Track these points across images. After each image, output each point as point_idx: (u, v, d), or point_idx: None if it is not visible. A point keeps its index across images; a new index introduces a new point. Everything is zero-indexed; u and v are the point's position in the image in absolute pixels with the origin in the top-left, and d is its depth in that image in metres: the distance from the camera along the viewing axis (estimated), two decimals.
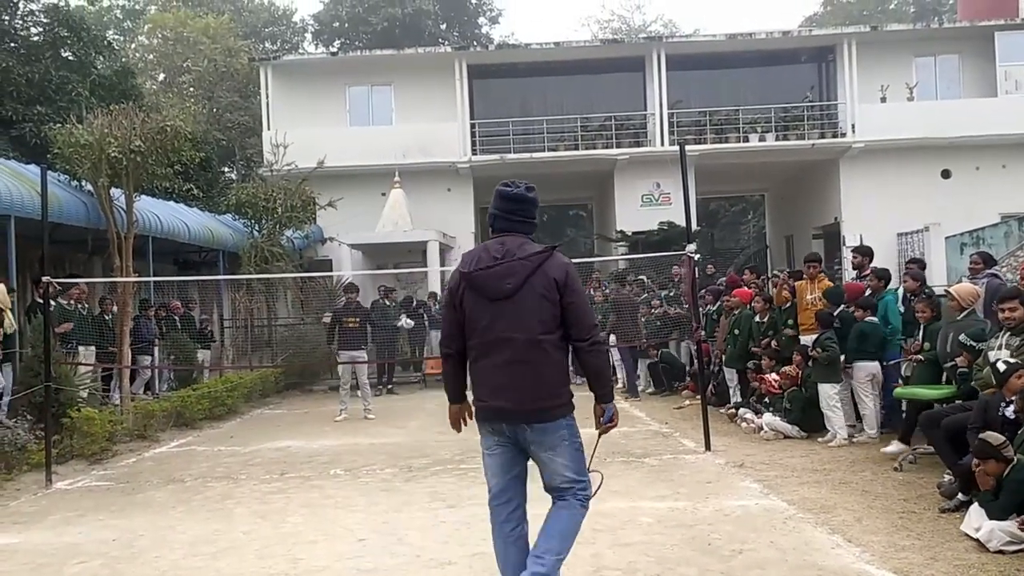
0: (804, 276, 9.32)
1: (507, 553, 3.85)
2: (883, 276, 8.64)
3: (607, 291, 14.95)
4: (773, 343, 9.52)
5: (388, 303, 15.37)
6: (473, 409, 3.90)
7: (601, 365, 3.90)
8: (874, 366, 8.05)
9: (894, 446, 7.33)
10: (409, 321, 15.13)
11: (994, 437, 5.03)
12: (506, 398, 3.68)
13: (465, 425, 4.07)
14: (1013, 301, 5.98)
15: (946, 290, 7.48)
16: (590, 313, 3.84)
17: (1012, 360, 5.62)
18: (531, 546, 3.84)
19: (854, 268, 9.32)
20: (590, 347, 3.75)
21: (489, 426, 3.79)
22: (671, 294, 13.45)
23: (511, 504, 3.87)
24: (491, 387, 3.72)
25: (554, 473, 3.80)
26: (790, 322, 9.36)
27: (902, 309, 8.35)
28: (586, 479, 3.88)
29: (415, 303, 16.25)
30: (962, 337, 6.51)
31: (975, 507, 5.00)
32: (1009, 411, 5.38)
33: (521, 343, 3.66)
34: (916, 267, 8.86)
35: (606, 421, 3.94)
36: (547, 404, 3.73)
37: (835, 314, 8.41)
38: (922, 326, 7.51)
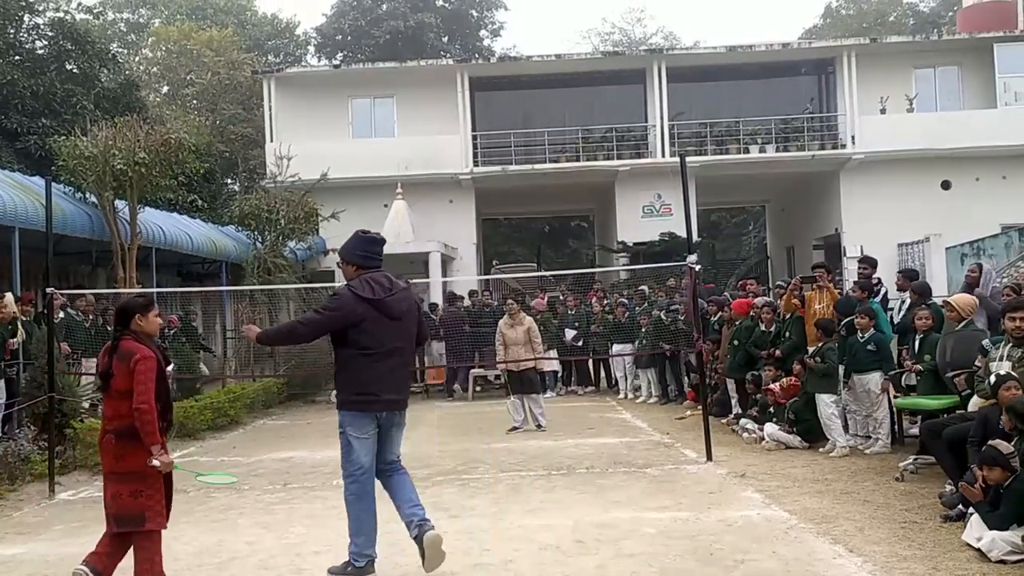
0: (814, 285, 9.31)
1: (375, 513, 4.92)
2: (865, 287, 8.67)
3: (607, 303, 15.00)
4: (778, 352, 9.48)
5: None
6: (353, 401, 4.85)
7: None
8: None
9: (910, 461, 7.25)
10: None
11: (1004, 446, 5.05)
12: (397, 392, 4.89)
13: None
14: (1022, 311, 5.97)
15: (944, 300, 7.50)
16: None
17: (1003, 372, 5.67)
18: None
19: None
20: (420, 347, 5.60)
21: (373, 415, 4.83)
22: (670, 307, 13.40)
23: (373, 476, 4.93)
24: (385, 384, 4.80)
25: (396, 446, 5.04)
26: (787, 333, 9.35)
27: (897, 320, 8.38)
28: None
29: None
30: (985, 342, 6.50)
31: (976, 517, 5.01)
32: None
33: (407, 351, 5.01)
34: (903, 276, 8.90)
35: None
36: (408, 393, 5.15)
37: (843, 323, 8.38)
38: (919, 336, 7.53)
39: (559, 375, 15.30)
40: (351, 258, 4.98)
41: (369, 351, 4.74)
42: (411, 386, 5.13)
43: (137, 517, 4.38)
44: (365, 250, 4.98)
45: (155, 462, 4.38)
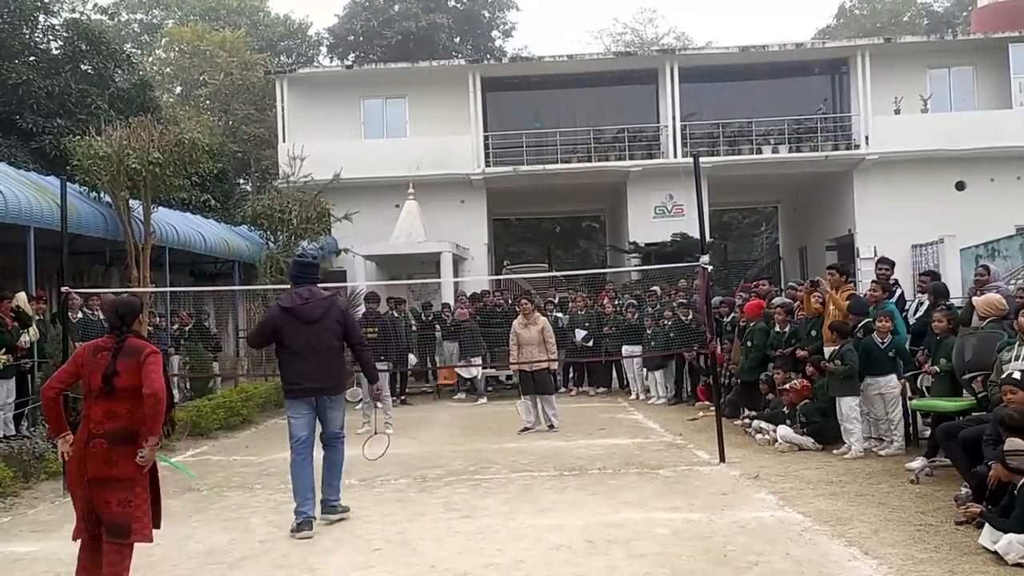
0: (829, 287, 9.19)
1: (308, 477, 6.07)
2: (886, 287, 8.59)
3: (618, 303, 14.95)
4: (803, 352, 9.36)
5: (397, 315, 15.36)
6: (287, 391, 6.12)
7: (369, 357, 6.49)
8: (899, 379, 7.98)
9: (918, 462, 7.19)
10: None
11: (1020, 443, 5.00)
12: (321, 380, 6.02)
13: None
14: None
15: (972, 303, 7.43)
16: (359, 328, 6.60)
17: (1016, 375, 5.62)
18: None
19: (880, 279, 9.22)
20: (361, 348, 6.40)
21: (303, 399, 6.04)
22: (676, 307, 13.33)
23: (309, 447, 6.10)
24: (309, 375, 5.97)
25: (333, 424, 6.20)
26: (813, 332, 9.26)
27: (912, 321, 8.31)
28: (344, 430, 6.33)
29: (431, 314, 16.17)
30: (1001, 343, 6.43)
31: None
32: None
33: (324, 348, 6.03)
34: (928, 278, 8.83)
35: (376, 391, 6.71)
36: (337, 383, 6.20)
37: (860, 326, 8.28)
38: (937, 338, 7.46)
39: (571, 375, 15.28)
40: (289, 278, 6.42)
41: (291, 349, 6.01)
42: (339, 376, 6.26)
43: (124, 528, 4.24)
44: (296, 271, 6.34)
45: (144, 453, 4.21)
